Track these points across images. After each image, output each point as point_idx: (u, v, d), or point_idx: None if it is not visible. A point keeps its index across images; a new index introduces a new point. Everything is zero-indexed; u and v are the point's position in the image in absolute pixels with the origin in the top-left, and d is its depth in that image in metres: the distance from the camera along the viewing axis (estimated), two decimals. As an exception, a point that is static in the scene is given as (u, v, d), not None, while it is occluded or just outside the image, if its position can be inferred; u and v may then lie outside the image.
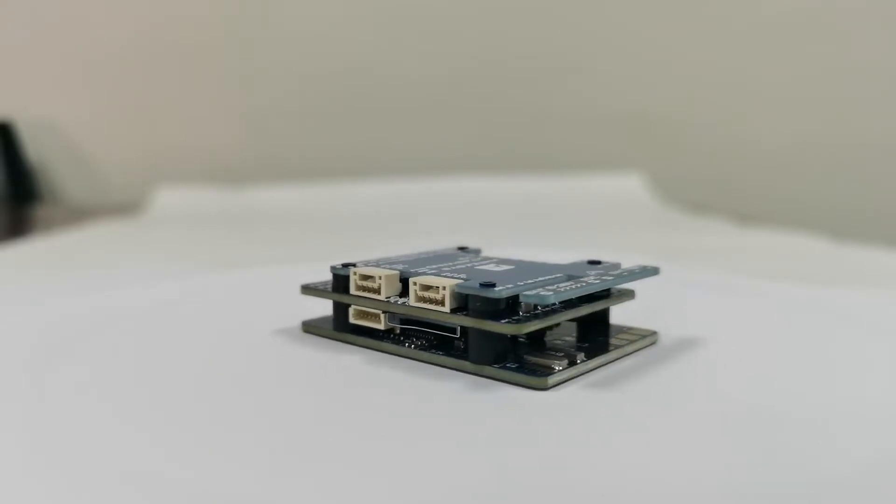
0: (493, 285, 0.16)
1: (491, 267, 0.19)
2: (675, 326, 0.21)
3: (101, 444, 0.13)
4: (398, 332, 0.19)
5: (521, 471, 0.12)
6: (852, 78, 0.74)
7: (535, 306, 0.17)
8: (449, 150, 0.77)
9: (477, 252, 0.23)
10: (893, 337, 0.20)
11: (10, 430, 0.14)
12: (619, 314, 0.20)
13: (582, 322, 0.19)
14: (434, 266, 0.19)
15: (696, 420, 0.14)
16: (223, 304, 0.24)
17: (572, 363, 0.16)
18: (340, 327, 0.20)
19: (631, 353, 0.18)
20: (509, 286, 0.16)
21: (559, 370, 0.16)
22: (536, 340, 0.18)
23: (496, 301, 0.16)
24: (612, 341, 0.18)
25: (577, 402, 0.15)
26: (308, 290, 0.20)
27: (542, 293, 0.16)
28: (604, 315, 0.19)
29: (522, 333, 0.16)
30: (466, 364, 0.17)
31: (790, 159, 0.75)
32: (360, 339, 0.19)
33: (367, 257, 0.21)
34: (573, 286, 0.16)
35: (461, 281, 0.17)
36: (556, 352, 0.17)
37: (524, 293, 0.16)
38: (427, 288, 0.17)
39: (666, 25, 0.75)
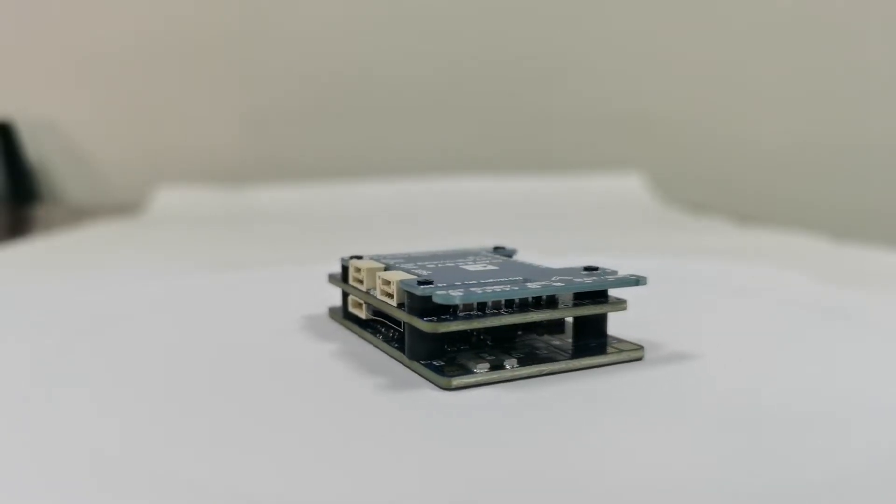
0: (427, 283, 0.16)
1: (476, 267, 0.19)
2: (671, 326, 0.21)
3: (102, 441, 0.13)
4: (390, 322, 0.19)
5: (370, 470, 0.12)
6: (852, 78, 0.74)
7: (476, 306, 0.17)
8: (449, 150, 0.77)
9: (511, 253, 0.22)
10: (894, 336, 0.20)
11: (14, 433, 0.14)
12: (618, 317, 0.20)
13: (576, 327, 0.19)
14: (421, 263, 0.20)
15: (677, 420, 0.14)
16: (250, 299, 0.24)
17: (496, 368, 0.16)
18: (345, 314, 0.21)
19: (600, 365, 0.17)
20: (440, 285, 0.16)
21: (477, 373, 0.16)
22: (503, 341, 0.18)
23: (421, 298, 0.16)
24: (577, 348, 0.18)
25: (483, 403, 0.15)
26: (331, 278, 0.22)
27: (450, 293, 0.16)
28: (594, 322, 0.18)
29: (439, 332, 0.16)
30: (404, 358, 0.17)
31: (790, 159, 0.75)
32: (353, 327, 0.20)
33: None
34: (498, 289, 0.16)
35: (410, 277, 0.17)
36: (490, 356, 0.17)
37: (436, 293, 0.16)
38: (386, 282, 0.18)
39: (666, 25, 0.75)
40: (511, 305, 0.17)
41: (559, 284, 0.17)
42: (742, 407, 0.15)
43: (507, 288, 0.16)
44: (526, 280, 0.17)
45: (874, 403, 0.15)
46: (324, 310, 0.23)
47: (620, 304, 0.18)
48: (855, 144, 0.74)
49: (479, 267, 0.19)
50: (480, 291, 0.16)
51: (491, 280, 0.17)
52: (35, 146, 0.78)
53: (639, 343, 0.18)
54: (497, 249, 0.22)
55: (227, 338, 0.20)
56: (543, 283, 0.17)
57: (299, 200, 0.61)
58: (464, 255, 0.21)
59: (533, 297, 0.17)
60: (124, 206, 0.65)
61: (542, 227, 0.48)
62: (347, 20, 0.76)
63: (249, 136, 0.78)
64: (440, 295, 0.16)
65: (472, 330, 0.17)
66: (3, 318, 0.22)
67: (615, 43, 0.76)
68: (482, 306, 0.17)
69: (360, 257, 0.21)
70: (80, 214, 0.59)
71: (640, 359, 0.18)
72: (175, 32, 0.77)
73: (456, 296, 0.16)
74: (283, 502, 0.11)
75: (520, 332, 0.19)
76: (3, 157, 0.74)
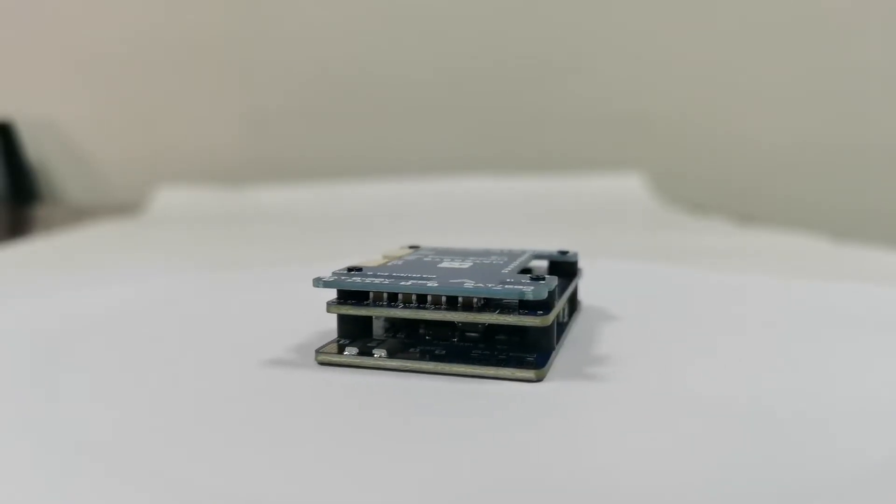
0: (357, 270, 0.18)
1: (451, 265, 0.19)
2: (668, 324, 0.21)
3: (100, 439, 0.13)
4: None
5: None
6: (852, 78, 0.74)
7: (387, 297, 0.17)
8: (449, 150, 0.77)
9: (573, 259, 0.21)
10: (893, 336, 0.20)
11: (15, 430, 0.14)
12: (611, 320, 0.20)
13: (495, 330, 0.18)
14: (425, 255, 0.20)
15: (668, 419, 0.14)
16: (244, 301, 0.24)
17: (363, 354, 0.17)
18: None
19: (472, 375, 0.16)
20: (354, 275, 0.18)
21: (345, 355, 0.17)
22: (439, 336, 0.18)
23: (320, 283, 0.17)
24: (482, 356, 0.17)
25: (327, 385, 0.16)
26: None
27: (322, 279, 0.17)
28: (506, 331, 0.18)
29: (330, 312, 0.17)
30: None
31: (790, 159, 0.75)
32: None
33: (366, 256, 0.22)
34: (373, 282, 0.17)
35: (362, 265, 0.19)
36: (371, 343, 0.18)
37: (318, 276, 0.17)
38: None
39: (666, 25, 0.75)
40: (424, 301, 0.17)
41: (432, 285, 0.17)
42: (725, 404, 0.15)
43: (382, 282, 0.17)
44: (422, 279, 0.17)
45: (874, 403, 0.15)
46: (321, 308, 0.23)
47: (531, 318, 0.16)
48: (855, 144, 0.74)
49: (453, 265, 0.19)
50: (351, 280, 0.17)
51: (403, 275, 0.18)
52: (35, 146, 0.78)
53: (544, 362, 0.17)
54: (562, 253, 0.21)
55: (226, 337, 0.20)
56: (419, 281, 0.17)
57: (299, 200, 0.61)
58: (487, 254, 0.21)
59: (447, 297, 0.17)
60: (124, 206, 0.65)
61: (542, 227, 0.48)
62: (347, 20, 0.76)
63: (249, 136, 0.78)
64: (314, 278, 0.17)
65: (417, 321, 0.18)
66: (2, 317, 0.22)
67: (615, 43, 0.76)
68: (393, 297, 0.17)
69: (417, 247, 0.22)
70: (80, 214, 0.59)
71: (531, 380, 0.16)
72: (175, 32, 0.77)
73: (321, 282, 0.17)
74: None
75: (469, 332, 0.18)
76: (3, 157, 0.74)
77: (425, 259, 0.20)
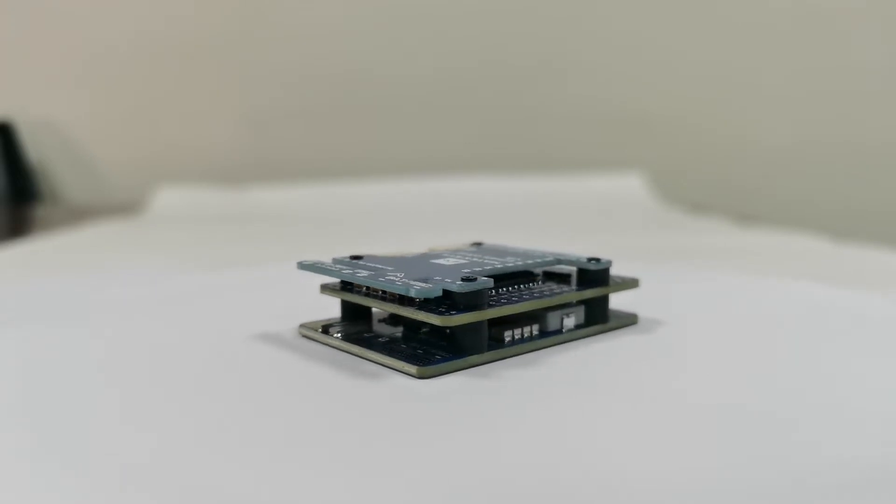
0: (358, 258, 0.20)
1: (447, 262, 0.20)
2: (666, 323, 0.21)
3: (97, 439, 0.13)
4: None
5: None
6: (852, 78, 0.74)
7: (365, 288, 0.19)
8: (449, 150, 0.77)
9: (606, 265, 0.21)
10: (892, 337, 0.20)
11: (14, 430, 0.14)
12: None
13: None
14: (434, 252, 0.22)
15: (664, 418, 0.14)
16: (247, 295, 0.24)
17: (325, 332, 0.19)
18: None
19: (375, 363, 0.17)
20: (334, 264, 0.20)
21: (317, 331, 0.19)
22: (413, 327, 0.19)
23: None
24: (402, 348, 0.17)
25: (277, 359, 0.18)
26: None
27: (303, 263, 0.20)
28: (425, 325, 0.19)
29: (323, 294, 0.20)
30: None
31: (790, 159, 0.75)
32: None
33: (375, 251, 0.22)
34: (341, 271, 0.19)
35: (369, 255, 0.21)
36: (345, 326, 0.19)
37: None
38: None
39: (666, 25, 0.75)
40: (385, 294, 0.18)
41: (360, 275, 0.18)
42: (715, 404, 0.15)
43: (338, 269, 0.19)
44: (357, 268, 0.19)
45: (870, 406, 0.15)
46: (321, 306, 0.23)
47: (435, 316, 0.17)
48: (855, 144, 0.74)
49: (444, 262, 0.20)
50: (322, 266, 0.19)
51: (369, 265, 0.19)
52: (35, 146, 0.78)
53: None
54: (592, 260, 0.21)
55: (228, 336, 0.20)
56: (354, 270, 0.19)
57: (299, 200, 0.61)
58: (503, 253, 0.21)
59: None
60: (124, 206, 0.65)
61: (542, 227, 0.48)
62: (347, 20, 0.76)
63: (249, 136, 0.78)
64: (298, 262, 0.20)
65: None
66: (3, 318, 0.22)
67: (615, 43, 0.76)
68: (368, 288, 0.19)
69: (480, 243, 0.24)
70: (80, 214, 0.59)
71: (414, 376, 0.16)
72: (175, 32, 0.77)
73: (300, 265, 0.20)
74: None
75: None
76: (3, 157, 0.74)
77: (430, 254, 0.21)
